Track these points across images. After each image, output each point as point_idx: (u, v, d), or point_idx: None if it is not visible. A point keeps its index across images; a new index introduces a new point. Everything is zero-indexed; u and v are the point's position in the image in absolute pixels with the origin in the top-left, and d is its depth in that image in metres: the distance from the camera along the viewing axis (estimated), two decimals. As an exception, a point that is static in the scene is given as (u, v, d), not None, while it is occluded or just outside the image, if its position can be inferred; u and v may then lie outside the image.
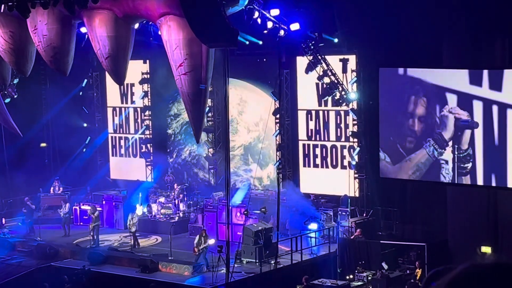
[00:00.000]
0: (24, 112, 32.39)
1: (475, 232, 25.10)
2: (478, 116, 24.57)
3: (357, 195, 28.54)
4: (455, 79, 24.99)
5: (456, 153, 25.16)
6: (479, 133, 24.68)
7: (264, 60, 30.93)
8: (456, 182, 25.29)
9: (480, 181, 24.80)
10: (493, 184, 24.61)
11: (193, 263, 25.03)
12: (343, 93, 27.52)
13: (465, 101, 24.71)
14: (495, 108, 24.25)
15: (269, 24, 25.97)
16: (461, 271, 2.07)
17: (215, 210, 28.86)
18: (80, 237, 29.75)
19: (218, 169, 32.56)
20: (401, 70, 26.04)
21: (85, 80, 35.40)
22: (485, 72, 24.28)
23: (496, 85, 24.14)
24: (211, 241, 25.66)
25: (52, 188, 33.25)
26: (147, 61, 33.81)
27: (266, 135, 29.90)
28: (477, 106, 24.53)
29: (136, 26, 24.54)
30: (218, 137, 32.86)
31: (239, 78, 31.61)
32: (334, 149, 30.00)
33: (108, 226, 31.12)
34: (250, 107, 32.43)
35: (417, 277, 23.92)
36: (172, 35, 21.68)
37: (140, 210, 29.78)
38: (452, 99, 24.99)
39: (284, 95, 29.96)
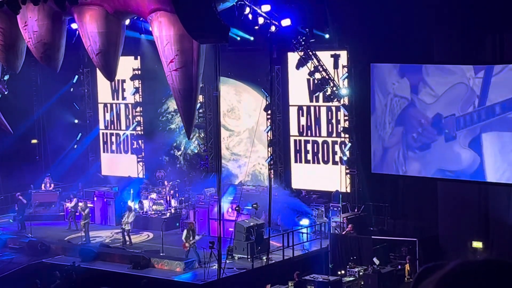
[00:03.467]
0: (14, 109, 32.29)
1: (466, 227, 25.15)
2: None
3: (348, 190, 28.57)
4: (450, 72, 25.05)
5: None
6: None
7: (255, 57, 30.88)
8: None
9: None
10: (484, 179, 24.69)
11: (184, 259, 25.04)
12: (334, 88, 27.54)
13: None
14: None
15: (260, 20, 25.95)
16: (452, 267, 2.06)
17: (206, 206, 28.84)
18: (72, 233, 29.73)
19: (210, 165, 32.54)
20: (392, 66, 26.10)
21: (76, 76, 35.35)
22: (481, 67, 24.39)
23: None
24: (197, 237, 25.66)
25: (43, 184, 33.16)
26: (138, 57, 33.77)
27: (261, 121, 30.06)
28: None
29: (127, 22, 24.48)
30: (209, 133, 32.84)
31: (230, 76, 31.62)
32: (325, 145, 30.02)
33: (100, 223, 31.10)
34: (245, 98, 32.49)
35: (406, 272, 24.05)
36: (163, 31, 21.62)
37: (132, 206, 29.71)
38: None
39: (276, 91, 29.95)
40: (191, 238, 25.32)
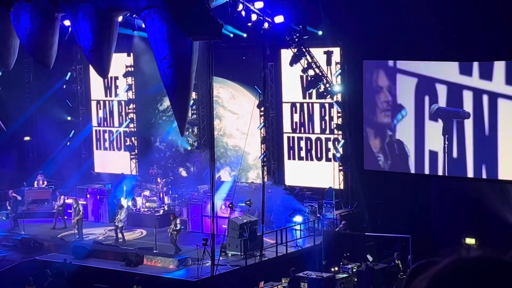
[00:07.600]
0: (7, 106, 32.21)
1: (459, 224, 25.20)
2: (468, 106, 24.64)
3: (341, 187, 28.59)
4: (444, 69, 25.07)
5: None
6: (469, 123, 24.71)
7: (248, 54, 30.84)
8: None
9: (470, 173, 24.94)
10: (484, 175, 24.73)
11: (177, 257, 25.04)
12: (327, 85, 27.55)
13: (455, 91, 24.84)
14: (485, 98, 24.28)
15: (253, 17, 25.94)
16: (446, 264, 2.06)
17: (200, 203, 28.84)
18: (65, 231, 29.67)
19: (203, 161, 32.50)
20: (390, 62, 26.23)
21: (69, 74, 35.26)
22: (475, 63, 24.39)
23: (486, 74, 24.18)
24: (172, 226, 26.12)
25: (36, 182, 33.08)
26: (131, 54, 33.70)
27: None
28: (467, 96, 24.60)
29: (120, 19, 24.42)
30: (202, 130, 32.82)
31: (223, 76, 31.57)
32: (318, 142, 30.03)
33: (93, 220, 31.05)
34: (238, 96, 32.55)
35: (399, 269, 24.10)
36: (156, 28, 21.58)
37: (124, 203, 29.70)
38: (441, 90, 25.07)
39: (269, 88, 29.94)
40: (172, 227, 25.92)
